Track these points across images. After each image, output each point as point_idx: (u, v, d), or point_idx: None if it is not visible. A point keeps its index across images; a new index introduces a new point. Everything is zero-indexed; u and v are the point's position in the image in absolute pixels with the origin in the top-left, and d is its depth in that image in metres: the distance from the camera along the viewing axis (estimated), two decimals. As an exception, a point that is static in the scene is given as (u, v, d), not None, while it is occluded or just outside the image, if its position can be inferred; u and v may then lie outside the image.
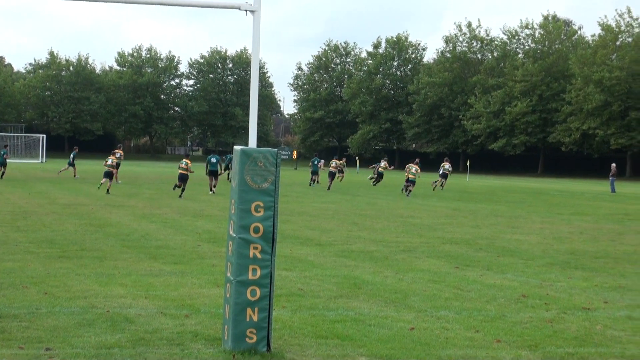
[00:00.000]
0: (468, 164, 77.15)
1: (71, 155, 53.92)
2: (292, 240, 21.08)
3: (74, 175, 52.09)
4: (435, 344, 10.43)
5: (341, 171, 56.47)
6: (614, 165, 59.61)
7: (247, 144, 10.38)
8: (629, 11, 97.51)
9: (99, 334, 10.38)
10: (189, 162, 39.34)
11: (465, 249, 20.54)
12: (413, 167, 44.80)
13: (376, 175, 53.12)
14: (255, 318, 9.55)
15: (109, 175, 39.89)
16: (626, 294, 14.39)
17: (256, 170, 9.51)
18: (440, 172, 53.17)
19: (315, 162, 54.17)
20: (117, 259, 16.95)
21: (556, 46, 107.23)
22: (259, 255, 9.52)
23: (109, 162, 40.76)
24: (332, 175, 50.24)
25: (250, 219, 9.51)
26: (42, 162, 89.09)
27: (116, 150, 46.06)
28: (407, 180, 44.55)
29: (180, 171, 38.74)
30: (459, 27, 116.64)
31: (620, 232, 26.29)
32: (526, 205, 39.63)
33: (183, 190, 38.10)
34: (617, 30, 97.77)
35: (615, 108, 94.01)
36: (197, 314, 11.70)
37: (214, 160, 42.57)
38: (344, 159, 64.43)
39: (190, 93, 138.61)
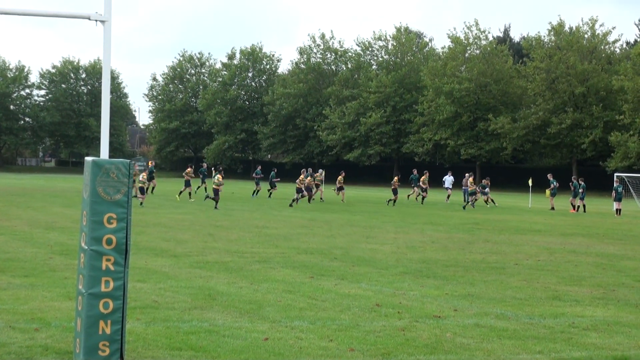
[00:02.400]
0: (323, 174, 77.44)
1: None
2: (146, 252, 20.88)
3: None
4: (289, 353, 10.50)
5: (395, 191, 51.74)
6: (467, 175, 60.79)
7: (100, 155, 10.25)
8: (477, 24, 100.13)
9: (-57, 350, 10.08)
10: (220, 177, 44.04)
11: (320, 259, 20.70)
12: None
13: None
14: (108, 330, 9.42)
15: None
16: (474, 302, 14.76)
17: (108, 182, 9.40)
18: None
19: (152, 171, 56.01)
20: (-37, 273, 16.46)
21: (408, 58, 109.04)
22: (111, 267, 9.41)
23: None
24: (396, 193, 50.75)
25: (102, 231, 9.39)
26: None
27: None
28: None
29: (214, 186, 43.12)
30: (313, 39, 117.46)
31: (469, 242, 26.93)
32: (381, 215, 40.18)
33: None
34: (465, 42, 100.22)
35: (465, 119, 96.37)
36: (47, 327, 11.47)
37: None
38: (397, 177, 54.84)
39: (41, 103, 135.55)
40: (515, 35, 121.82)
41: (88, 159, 9.57)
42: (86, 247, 9.43)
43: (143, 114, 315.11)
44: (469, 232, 30.81)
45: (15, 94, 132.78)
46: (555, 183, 50.81)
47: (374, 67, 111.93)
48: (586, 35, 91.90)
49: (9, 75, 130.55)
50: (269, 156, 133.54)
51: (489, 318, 13.25)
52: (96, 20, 10.01)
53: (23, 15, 10.29)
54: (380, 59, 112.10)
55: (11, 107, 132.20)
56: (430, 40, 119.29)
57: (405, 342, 11.28)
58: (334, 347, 10.90)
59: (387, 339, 11.49)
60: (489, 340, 11.63)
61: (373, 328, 12.18)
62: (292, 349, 10.71)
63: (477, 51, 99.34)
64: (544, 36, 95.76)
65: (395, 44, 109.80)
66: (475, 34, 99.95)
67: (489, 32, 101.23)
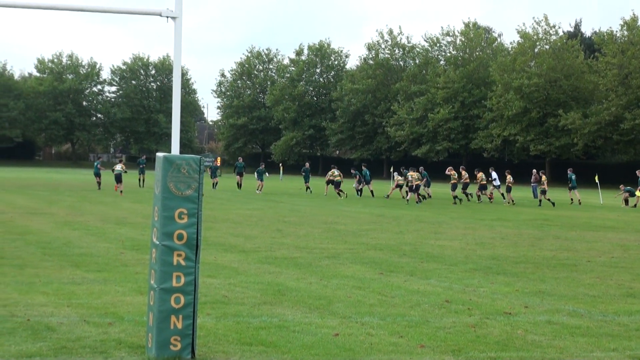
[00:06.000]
0: (392, 170, 77.30)
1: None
2: (216, 247, 20.97)
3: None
4: (359, 349, 10.45)
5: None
6: (535, 171, 60.17)
7: (170, 151, 10.30)
8: (546, 19, 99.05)
9: (20, 342, 10.20)
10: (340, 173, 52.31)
11: (389, 255, 20.61)
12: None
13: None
14: (179, 325, 9.48)
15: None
16: (545, 299, 14.56)
17: (179, 177, 9.45)
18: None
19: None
20: (38, 267, 16.67)
21: (477, 53, 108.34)
22: (182, 263, 9.45)
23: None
24: (413, 189, 47.07)
25: (173, 226, 9.44)
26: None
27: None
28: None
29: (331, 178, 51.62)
30: (381, 34, 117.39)
31: (539, 238, 26.63)
32: (449, 211, 39.96)
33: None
34: (535, 37, 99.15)
35: (534, 115, 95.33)
36: (120, 321, 11.57)
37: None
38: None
39: (112, 99, 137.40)
40: (587, 30, 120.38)
41: (159, 154, 9.63)
42: (157, 243, 9.49)
43: (211, 110, 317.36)
44: (539, 228, 30.48)
45: (87, 91, 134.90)
46: None
47: (442, 62, 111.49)
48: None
49: (81, 71, 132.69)
50: (337, 152, 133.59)
51: (560, 315, 13.07)
52: (167, 17, 10.06)
53: (97, 12, 10.38)
54: (449, 54, 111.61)
55: (84, 103, 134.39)
56: (499, 35, 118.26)
57: (476, 339, 11.17)
58: (404, 343, 10.83)
59: (457, 335, 11.39)
60: (562, 337, 11.46)
61: (443, 324, 12.08)
62: (362, 345, 10.66)
63: (547, 46, 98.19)
64: (617, 31, 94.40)
65: (463, 39, 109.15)
66: (545, 29, 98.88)
67: (559, 27, 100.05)
